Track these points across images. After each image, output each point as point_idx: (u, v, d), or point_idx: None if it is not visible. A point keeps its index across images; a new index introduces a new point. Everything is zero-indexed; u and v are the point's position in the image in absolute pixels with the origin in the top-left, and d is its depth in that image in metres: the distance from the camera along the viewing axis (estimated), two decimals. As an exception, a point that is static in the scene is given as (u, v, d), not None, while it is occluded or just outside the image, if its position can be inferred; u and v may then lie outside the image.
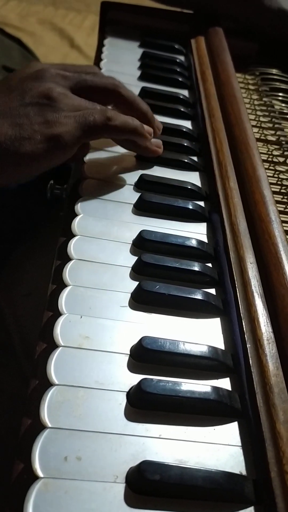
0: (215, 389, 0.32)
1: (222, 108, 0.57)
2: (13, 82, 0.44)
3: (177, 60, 0.69)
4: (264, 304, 0.37)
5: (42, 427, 0.29)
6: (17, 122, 0.40)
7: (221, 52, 0.66)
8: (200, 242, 0.43)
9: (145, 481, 0.27)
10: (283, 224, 0.43)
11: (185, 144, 0.54)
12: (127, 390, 0.32)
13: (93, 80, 0.47)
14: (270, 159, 0.55)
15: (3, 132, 0.39)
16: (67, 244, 0.40)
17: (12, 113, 0.40)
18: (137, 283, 0.38)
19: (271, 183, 0.48)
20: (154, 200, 0.46)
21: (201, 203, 0.48)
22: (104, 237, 0.42)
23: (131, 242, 0.42)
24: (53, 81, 0.44)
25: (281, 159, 0.55)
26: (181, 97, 0.62)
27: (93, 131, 0.43)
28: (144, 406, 0.31)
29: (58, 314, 0.35)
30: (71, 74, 0.46)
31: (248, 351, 0.34)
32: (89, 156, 0.50)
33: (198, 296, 0.38)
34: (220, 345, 0.36)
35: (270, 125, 0.60)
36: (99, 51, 0.70)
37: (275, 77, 0.69)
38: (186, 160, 0.52)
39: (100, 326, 0.35)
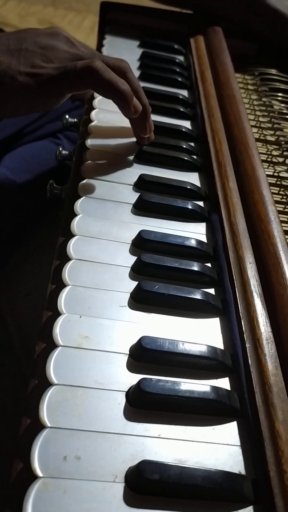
0: (214, 388, 0.32)
1: (221, 108, 0.57)
2: (24, 34, 0.46)
3: (177, 60, 0.69)
4: (263, 304, 0.37)
5: (41, 426, 0.29)
6: (7, 61, 0.42)
7: (220, 52, 0.66)
8: (199, 242, 0.43)
9: (144, 480, 0.27)
10: (282, 224, 0.44)
11: (184, 145, 0.54)
12: (126, 389, 0.32)
13: (104, 58, 0.47)
14: (269, 159, 0.55)
15: None
16: (67, 244, 0.40)
17: (6, 52, 0.43)
18: (136, 283, 0.38)
19: (270, 183, 0.48)
20: (154, 200, 0.46)
21: (201, 203, 0.48)
22: (104, 237, 0.42)
23: (131, 242, 0.42)
24: (61, 40, 0.46)
25: (280, 159, 0.55)
26: (181, 97, 0.62)
27: (77, 84, 0.44)
28: (143, 405, 0.31)
29: (57, 314, 0.35)
30: (81, 47, 0.47)
31: (247, 350, 0.34)
32: (89, 156, 0.50)
33: (198, 296, 0.38)
34: (219, 344, 0.36)
35: (269, 125, 0.60)
36: (98, 51, 0.70)
37: (274, 77, 0.69)
38: (186, 159, 0.52)
39: (100, 326, 0.35)
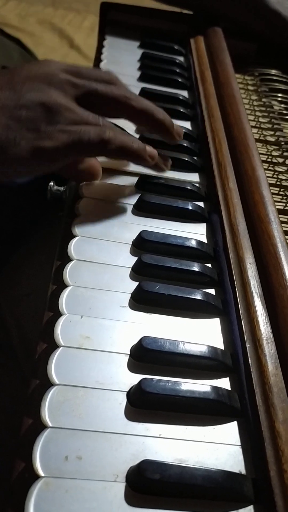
0: (215, 388, 0.33)
1: (221, 108, 0.57)
2: (17, 78, 0.41)
3: (177, 61, 0.70)
4: (263, 304, 0.37)
5: (43, 426, 0.29)
6: (6, 123, 0.38)
7: (220, 53, 0.66)
8: (199, 242, 0.43)
9: (145, 480, 0.28)
10: (282, 225, 0.44)
11: (185, 145, 0.54)
12: (127, 390, 0.32)
13: (103, 91, 0.44)
14: (269, 159, 0.55)
15: None
16: (67, 245, 0.41)
17: (4, 111, 0.38)
18: (137, 283, 0.38)
19: (270, 184, 0.48)
20: (154, 200, 0.46)
21: (201, 204, 0.48)
22: (104, 238, 0.42)
23: (131, 243, 0.42)
24: (60, 89, 0.41)
25: (280, 160, 0.55)
26: (181, 97, 0.62)
27: (85, 150, 0.42)
28: (144, 405, 0.32)
29: (58, 314, 0.36)
30: (81, 82, 0.43)
31: (248, 351, 0.34)
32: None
33: (198, 297, 0.38)
34: (220, 345, 0.37)
35: (269, 125, 0.60)
36: (98, 52, 0.70)
37: (274, 77, 0.69)
38: (186, 159, 0.52)
39: (101, 326, 0.35)
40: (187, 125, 0.59)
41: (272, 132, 0.59)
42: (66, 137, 0.40)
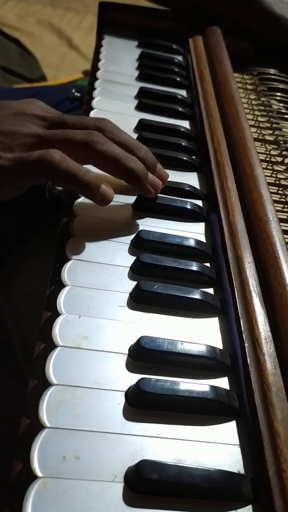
0: (213, 388, 0.33)
1: (220, 108, 0.57)
2: None
3: (175, 60, 0.70)
4: (262, 303, 0.37)
5: (40, 426, 0.29)
6: None
7: (219, 52, 0.66)
8: (198, 241, 0.43)
9: (143, 480, 0.27)
10: (281, 224, 0.44)
11: (183, 144, 0.54)
12: (125, 389, 0.32)
13: (68, 134, 0.41)
14: (268, 158, 0.55)
15: None
16: (65, 244, 0.40)
17: None
18: (135, 283, 0.38)
19: (269, 183, 0.48)
20: (152, 200, 0.46)
21: (199, 203, 0.48)
22: (102, 237, 0.42)
23: (129, 242, 0.42)
24: (28, 122, 0.42)
25: (279, 159, 0.55)
26: (179, 97, 0.62)
27: (30, 171, 0.40)
28: (142, 405, 0.31)
29: (56, 314, 0.35)
30: (52, 116, 0.43)
31: (246, 350, 0.34)
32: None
33: (196, 296, 0.38)
34: (218, 344, 0.37)
35: (268, 124, 0.60)
36: (97, 51, 0.70)
37: (273, 77, 0.69)
38: (184, 158, 0.52)
39: (99, 326, 0.35)
40: (185, 124, 0.59)
41: (270, 131, 0.59)
42: (13, 156, 0.40)
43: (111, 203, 0.45)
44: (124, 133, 0.45)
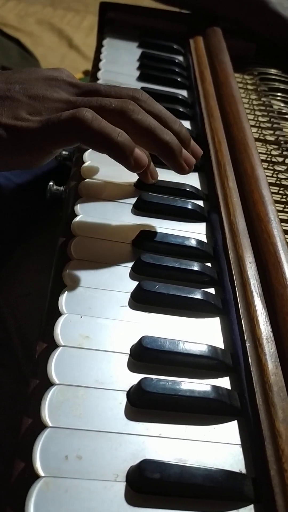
0: (215, 388, 0.33)
1: (220, 108, 0.57)
2: (17, 76, 0.40)
3: (176, 61, 0.70)
4: (263, 303, 0.37)
5: (42, 426, 0.29)
6: None
7: (219, 52, 0.66)
8: (199, 241, 0.43)
9: (145, 479, 0.28)
10: (282, 224, 0.44)
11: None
12: (127, 389, 0.32)
13: (102, 102, 0.39)
14: (269, 158, 0.55)
15: None
16: (67, 244, 0.41)
17: None
18: (136, 283, 0.38)
19: (270, 183, 0.48)
20: (154, 200, 0.46)
21: (200, 203, 0.48)
22: (104, 237, 0.42)
23: (131, 242, 0.42)
24: (58, 87, 0.41)
25: (280, 159, 0.55)
26: (180, 97, 0.62)
27: (59, 132, 0.37)
28: (144, 405, 0.31)
29: (58, 314, 0.35)
30: (81, 84, 0.41)
31: (248, 350, 0.34)
32: (89, 157, 0.50)
33: (198, 296, 0.38)
34: (220, 344, 0.37)
35: (269, 125, 0.60)
36: (98, 52, 0.70)
37: (273, 77, 0.69)
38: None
39: (100, 325, 0.35)
40: (186, 124, 0.59)
41: (271, 131, 0.59)
42: (42, 119, 0.38)
43: (111, 203, 0.46)
44: (159, 104, 0.43)
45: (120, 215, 0.45)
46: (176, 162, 0.42)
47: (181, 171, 0.42)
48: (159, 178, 0.49)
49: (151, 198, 0.46)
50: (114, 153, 0.39)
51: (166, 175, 0.50)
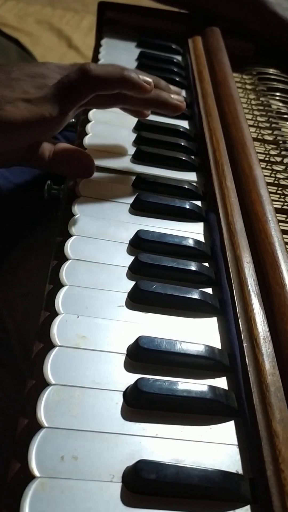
0: (212, 388, 0.32)
1: (219, 107, 0.57)
2: (9, 68, 0.43)
3: (174, 60, 0.70)
4: (261, 303, 0.37)
5: (38, 426, 0.29)
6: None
7: (218, 52, 0.66)
8: (197, 241, 0.43)
9: (141, 480, 0.27)
10: (280, 224, 0.44)
11: (182, 144, 0.54)
12: (123, 389, 0.32)
13: (95, 69, 0.43)
14: (267, 158, 0.55)
15: None
16: (64, 244, 0.40)
17: None
18: (134, 282, 0.38)
19: (268, 183, 0.48)
20: (151, 199, 0.46)
21: (198, 203, 0.48)
22: (101, 237, 0.42)
23: (128, 242, 0.42)
24: (49, 69, 0.44)
25: (278, 159, 0.55)
26: (178, 97, 0.62)
27: (75, 91, 0.41)
28: (140, 405, 0.31)
29: (55, 314, 0.35)
30: (70, 66, 0.45)
31: (245, 350, 0.34)
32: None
33: (195, 296, 0.38)
34: (217, 344, 0.36)
35: (267, 124, 0.60)
36: (96, 51, 0.70)
37: (272, 76, 0.69)
38: (183, 158, 0.52)
39: (97, 325, 0.35)
40: (184, 124, 0.59)
41: (270, 131, 0.59)
42: (52, 89, 0.41)
43: (109, 203, 0.46)
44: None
45: (118, 214, 0.45)
46: (170, 103, 0.49)
47: (176, 109, 0.50)
48: (157, 175, 0.49)
49: (148, 198, 0.46)
50: (127, 84, 0.44)
51: (165, 173, 0.50)
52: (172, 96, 0.50)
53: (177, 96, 0.51)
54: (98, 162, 0.49)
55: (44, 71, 0.43)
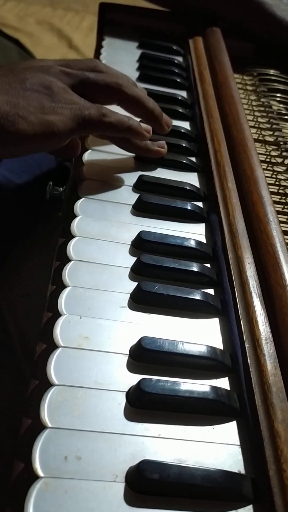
0: (214, 388, 0.33)
1: (220, 108, 0.57)
2: (15, 69, 0.44)
3: (175, 61, 0.70)
4: (262, 304, 0.37)
5: (42, 427, 0.29)
6: (15, 101, 0.40)
7: (219, 53, 0.66)
8: (198, 242, 0.43)
9: (144, 480, 0.28)
10: (281, 225, 0.44)
11: (184, 145, 0.54)
12: (126, 390, 0.32)
13: (95, 79, 0.47)
14: (268, 159, 0.55)
15: None
16: (67, 245, 0.41)
17: (11, 92, 0.41)
18: (136, 283, 0.38)
19: (269, 184, 0.48)
20: (153, 201, 0.46)
21: (200, 204, 0.48)
22: (103, 238, 0.42)
23: (130, 243, 0.42)
24: (56, 77, 0.45)
25: (279, 160, 0.55)
26: (179, 98, 0.62)
27: (87, 124, 0.44)
28: (143, 405, 0.32)
29: (57, 314, 0.36)
30: (74, 72, 0.46)
31: (247, 350, 0.34)
32: (88, 157, 0.50)
33: (197, 297, 0.38)
34: (219, 345, 0.37)
35: (268, 125, 0.60)
36: (97, 52, 0.70)
37: (273, 77, 0.69)
38: (185, 161, 0.52)
39: (100, 326, 0.35)
40: (185, 125, 0.59)
41: (271, 132, 0.59)
42: (69, 111, 0.43)
43: (111, 204, 0.46)
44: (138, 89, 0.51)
45: (120, 215, 0.45)
46: (161, 123, 0.52)
47: (163, 130, 0.52)
48: (159, 177, 0.49)
49: (150, 199, 0.46)
50: (131, 133, 0.48)
51: (166, 174, 0.50)
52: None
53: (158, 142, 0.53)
54: (100, 165, 0.50)
55: (52, 81, 0.44)
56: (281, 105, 0.65)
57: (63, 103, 0.43)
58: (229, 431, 0.32)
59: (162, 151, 0.51)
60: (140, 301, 0.38)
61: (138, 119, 0.50)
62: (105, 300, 0.37)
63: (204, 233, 0.46)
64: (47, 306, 0.38)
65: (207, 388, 0.32)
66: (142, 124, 0.49)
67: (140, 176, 0.48)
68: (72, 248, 0.40)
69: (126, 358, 0.34)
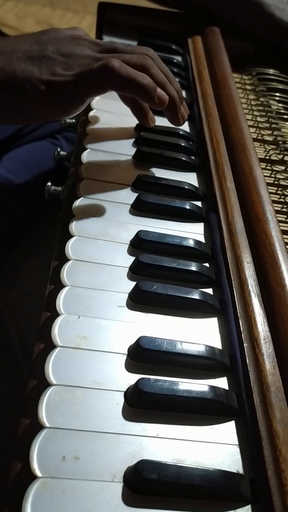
0: (212, 388, 0.33)
1: (219, 108, 0.57)
2: (45, 37, 0.45)
3: (174, 61, 0.70)
4: (261, 303, 0.37)
5: (40, 427, 0.29)
6: (27, 68, 0.42)
7: (218, 52, 0.66)
8: (197, 242, 0.43)
9: (142, 480, 0.28)
10: (280, 224, 0.44)
11: (182, 144, 0.54)
12: (124, 389, 0.32)
13: (124, 57, 0.45)
14: (267, 158, 0.55)
15: (11, 71, 0.41)
16: (65, 245, 0.41)
17: (27, 59, 0.42)
18: (134, 283, 0.38)
19: (268, 183, 0.48)
20: (151, 200, 0.46)
21: (198, 203, 0.48)
22: (102, 238, 0.42)
23: (129, 243, 0.42)
24: (85, 46, 0.46)
25: (278, 159, 0.55)
26: (178, 97, 0.62)
27: (92, 81, 0.43)
28: (141, 405, 0.31)
29: (56, 314, 0.35)
30: (105, 47, 0.47)
31: (245, 350, 0.34)
32: (87, 157, 0.50)
33: (196, 296, 0.38)
34: (217, 344, 0.37)
35: (267, 125, 0.60)
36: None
37: (272, 77, 0.69)
38: (183, 159, 0.52)
39: (98, 326, 0.35)
40: (184, 125, 0.59)
41: (270, 132, 0.59)
42: (75, 72, 0.43)
43: (109, 203, 0.46)
44: (164, 64, 0.50)
45: (118, 215, 0.45)
46: (176, 114, 0.51)
47: (178, 122, 0.52)
48: (157, 176, 0.49)
49: (149, 198, 0.46)
50: (141, 93, 0.45)
51: (165, 174, 0.50)
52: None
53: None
54: (98, 164, 0.50)
55: (78, 51, 0.45)
56: (280, 105, 0.65)
57: (76, 68, 0.43)
58: (228, 431, 0.32)
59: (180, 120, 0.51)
60: (139, 300, 0.38)
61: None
62: (104, 300, 0.37)
63: (202, 233, 0.46)
64: (45, 306, 0.38)
65: (205, 388, 0.32)
66: (159, 89, 0.46)
67: (139, 176, 0.48)
68: (70, 247, 0.40)
69: (124, 357, 0.34)
